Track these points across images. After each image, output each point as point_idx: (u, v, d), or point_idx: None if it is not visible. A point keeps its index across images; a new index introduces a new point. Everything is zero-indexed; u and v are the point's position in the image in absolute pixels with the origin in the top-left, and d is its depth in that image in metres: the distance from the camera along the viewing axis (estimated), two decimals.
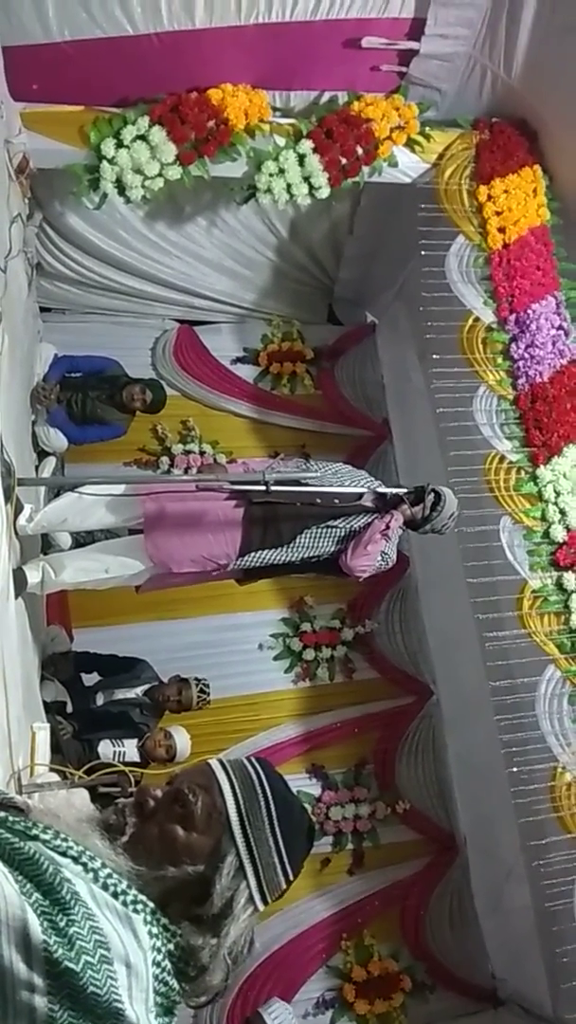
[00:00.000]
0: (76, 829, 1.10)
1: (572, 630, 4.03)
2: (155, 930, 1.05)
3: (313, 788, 5.45)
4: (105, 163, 4.29)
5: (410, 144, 4.72)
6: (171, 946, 1.07)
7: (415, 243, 4.68)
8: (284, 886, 1.19)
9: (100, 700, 4.52)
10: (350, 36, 4.45)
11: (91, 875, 1.03)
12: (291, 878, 1.19)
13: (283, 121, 4.64)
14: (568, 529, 4.14)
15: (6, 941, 0.91)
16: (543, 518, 4.17)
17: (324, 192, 4.61)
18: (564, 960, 3.97)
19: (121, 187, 4.36)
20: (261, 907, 1.17)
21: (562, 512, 4.16)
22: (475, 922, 5.37)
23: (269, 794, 1.20)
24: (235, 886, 1.14)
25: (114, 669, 4.68)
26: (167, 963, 1.06)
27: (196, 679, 4.57)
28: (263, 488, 3.56)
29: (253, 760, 1.25)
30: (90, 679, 4.64)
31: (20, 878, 0.96)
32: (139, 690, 4.52)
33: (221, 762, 1.23)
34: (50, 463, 4.97)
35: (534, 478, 4.24)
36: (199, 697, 4.52)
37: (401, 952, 5.24)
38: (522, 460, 4.28)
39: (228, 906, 1.13)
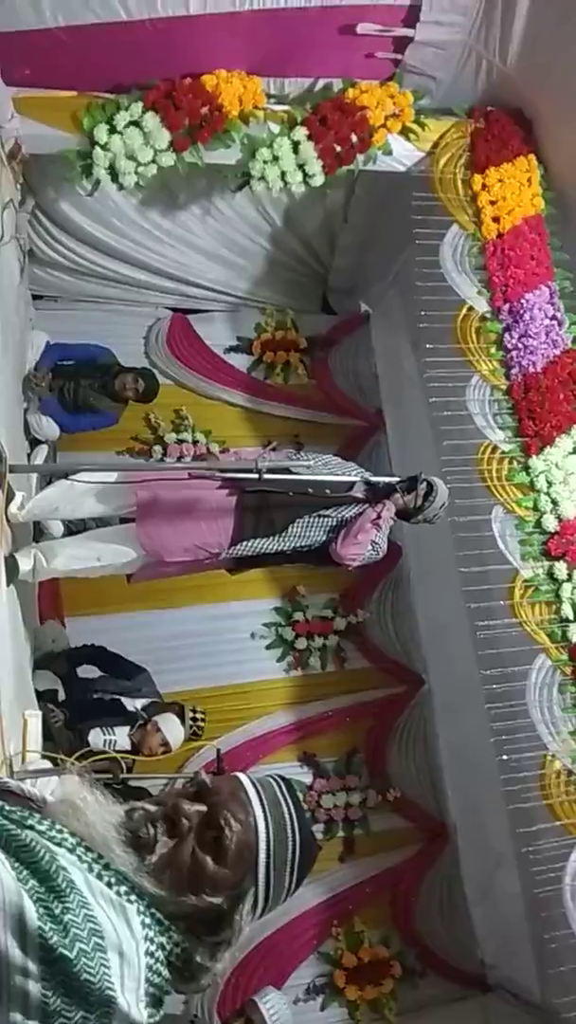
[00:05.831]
0: (100, 837, 1.09)
1: (563, 619, 4.04)
2: (148, 920, 1.06)
3: (305, 776, 5.46)
4: (98, 149, 4.26)
5: (405, 132, 4.70)
6: (163, 939, 1.08)
7: (409, 232, 4.66)
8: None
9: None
10: (345, 22, 4.42)
11: (85, 866, 1.04)
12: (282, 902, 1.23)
13: (277, 108, 4.61)
14: (560, 519, 4.14)
15: (2, 927, 0.91)
16: (535, 508, 4.18)
17: (318, 180, 4.58)
18: (553, 946, 4.00)
19: (114, 173, 4.32)
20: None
21: (554, 502, 4.17)
22: (465, 909, 5.40)
23: (298, 840, 1.20)
24: (248, 920, 1.17)
25: (116, 669, 4.60)
26: (160, 954, 1.07)
27: (193, 710, 4.47)
28: (256, 476, 3.57)
29: (285, 792, 1.24)
30: (84, 671, 4.61)
31: (16, 865, 0.96)
32: (139, 703, 4.41)
33: (257, 791, 1.21)
34: (42, 451, 4.96)
35: (526, 468, 4.24)
36: (191, 734, 4.41)
37: (391, 938, 5.27)
38: (515, 450, 4.28)
39: (237, 936, 1.16)
